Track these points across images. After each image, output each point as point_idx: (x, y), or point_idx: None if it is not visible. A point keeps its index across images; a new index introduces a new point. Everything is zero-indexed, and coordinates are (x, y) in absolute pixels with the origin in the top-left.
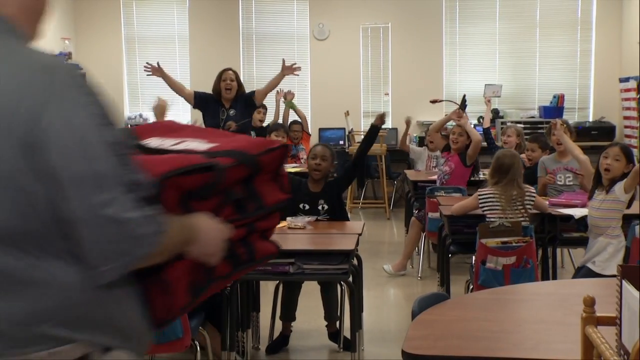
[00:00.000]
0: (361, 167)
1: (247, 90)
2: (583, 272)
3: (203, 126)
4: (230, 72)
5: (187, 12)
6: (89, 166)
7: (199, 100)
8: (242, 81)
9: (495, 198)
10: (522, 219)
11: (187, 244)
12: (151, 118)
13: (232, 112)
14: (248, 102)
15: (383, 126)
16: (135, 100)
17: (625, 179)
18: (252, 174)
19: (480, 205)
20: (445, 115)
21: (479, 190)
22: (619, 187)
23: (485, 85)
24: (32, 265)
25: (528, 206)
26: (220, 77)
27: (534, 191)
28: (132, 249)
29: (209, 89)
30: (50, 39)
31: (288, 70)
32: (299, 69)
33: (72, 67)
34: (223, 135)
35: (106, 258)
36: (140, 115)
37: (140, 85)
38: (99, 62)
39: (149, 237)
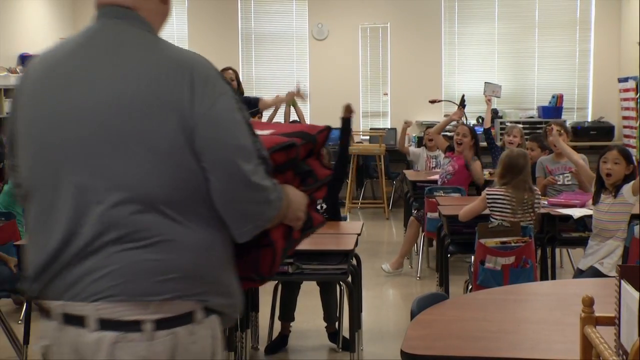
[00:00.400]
0: (344, 164)
1: (245, 91)
2: (590, 272)
3: None
4: (230, 71)
5: (186, 12)
6: (238, 142)
7: None
8: (241, 81)
9: (506, 199)
10: (530, 221)
11: (286, 210)
12: None
13: None
14: (251, 106)
15: (382, 126)
16: None
17: (633, 181)
18: (310, 152)
19: (488, 206)
20: (445, 116)
21: (486, 190)
22: (627, 189)
23: (485, 83)
24: (174, 226)
25: (536, 207)
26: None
27: (539, 192)
28: (266, 212)
29: None
30: (50, 38)
31: (296, 95)
32: (305, 95)
33: (207, 60)
34: (274, 125)
35: (247, 219)
36: None
37: None
38: None
39: (277, 202)
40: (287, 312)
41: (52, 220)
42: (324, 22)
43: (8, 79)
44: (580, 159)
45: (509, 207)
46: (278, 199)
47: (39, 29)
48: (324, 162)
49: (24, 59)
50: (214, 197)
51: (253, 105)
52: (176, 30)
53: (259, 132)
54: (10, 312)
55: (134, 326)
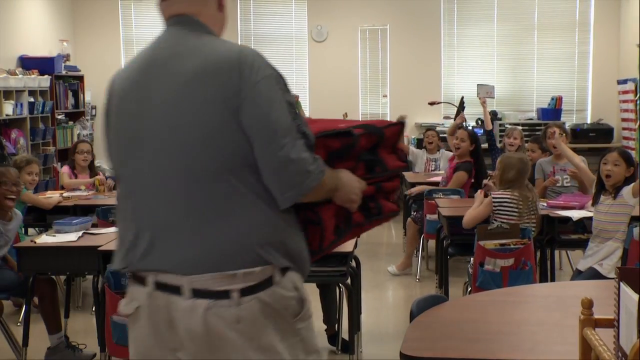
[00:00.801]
0: None
1: None
2: (589, 274)
3: None
4: None
5: None
6: (276, 117)
7: None
8: None
9: (513, 203)
10: (534, 222)
11: (335, 189)
12: None
13: None
14: None
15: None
16: None
17: (634, 184)
18: (378, 143)
19: (494, 210)
20: (445, 118)
21: (492, 195)
22: (627, 191)
23: (478, 85)
24: (242, 199)
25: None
26: None
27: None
28: (304, 181)
29: None
30: (49, 40)
31: None
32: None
33: (253, 50)
34: (349, 121)
35: (288, 186)
36: None
37: None
38: (97, 63)
39: (315, 173)
40: None
41: (130, 202)
42: (324, 24)
43: (7, 80)
44: (581, 161)
45: (515, 210)
46: (318, 171)
47: (39, 31)
48: (400, 156)
49: (23, 60)
50: (260, 168)
51: None
52: None
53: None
54: (9, 314)
55: (223, 294)
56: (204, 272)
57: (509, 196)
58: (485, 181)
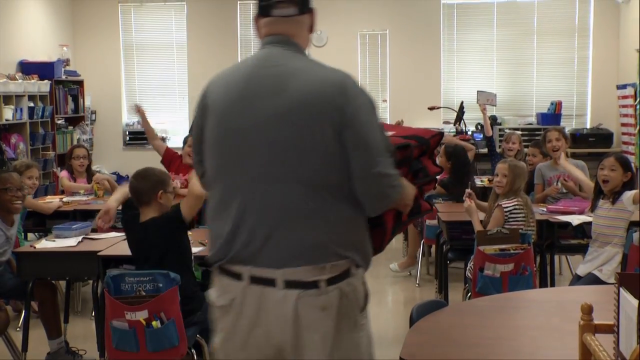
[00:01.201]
0: None
1: None
2: (588, 279)
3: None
4: None
5: (185, 19)
6: (374, 140)
7: (168, 158)
8: None
9: (521, 209)
10: (533, 226)
11: (405, 197)
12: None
13: None
14: None
15: None
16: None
17: (635, 191)
18: (424, 152)
19: (507, 219)
20: (445, 123)
21: (502, 205)
22: (627, 197)
23: (478, 91)
24: (332, 206)
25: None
26: None
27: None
28: (391, 194)
29: None
30: (49, 45)
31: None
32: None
33: (351, 76)
34: (395, 127)
35: (378, 198)
36: (139, 122)
37: (138, 92)
38: (97, 68)
39: (399, 187)
40: None
41: (233, 203)
42: (323, 29)
43: (7, 85)
44: (583, 174)
45: (523, 216)
46: (400, 185)
47: (38, 35)
48: (433, 161)
49: (23, 65)
50: (354, 180)
51: None
52: (175, 37)
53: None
54: (11, 319)
55: (312, 285)
56: (298, 266)
57: (516, 203)
58: (468, 190)
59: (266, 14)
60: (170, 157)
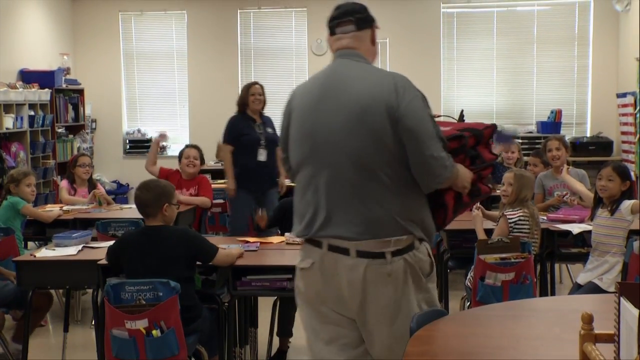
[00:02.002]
0: None
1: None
2: (588, 288)
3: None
4: (257, 85)
5: (186, 27)
6: (425, 128)
7: (163, 177)
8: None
9: (527, 220)
10: (536, 238)
11: (455, 179)
12: (149, 133)
13: (270, 129)
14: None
15: None
16: (134, 115)
17: (634, 201)
18: (478, 141)
19: (511, 229)
20: None
21: (507, 214)
22: (625, 207)
23: (497, 134)
24: (392, 186)
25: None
26: (248, 90)
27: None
28: (443, 173)
29: (207, 103)
30: (49, 54)
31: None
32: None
33: (401, 74)
34: (453, 123)
35: (431, 177)
36: (139, 130)
37: (138, 100)
38: (98, 77)
39: (450, 168)
40: (284, 327)
41: (313, 188)
42: (324, 38)
43: (8, 94)
44: (587, 188)
45: (527, 227)
46: (451, 165)
47: (39, 44)
48: (490, 149)
49: (23, 74)
50: (410, 163)
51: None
52: (175, 45)
53: (442, 128)
54: (8, 328)
55: (379, 255)
56: (367, 239)
57: (522, 214)
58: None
59: (332, 33)
60: (165, 176)
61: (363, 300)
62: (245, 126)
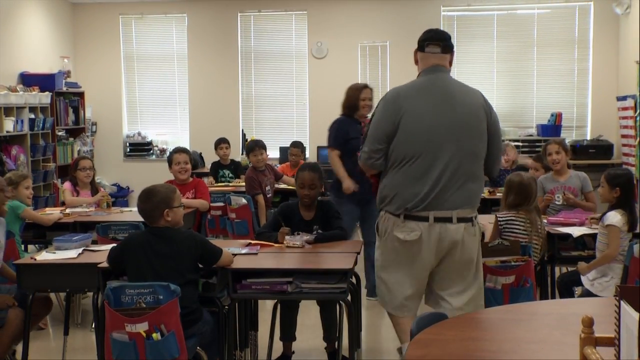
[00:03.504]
0: None
1: (244, 109)
2: (582, 292)
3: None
4: (368, 89)
5: (186, 30)
6: (500, 132)
7: None
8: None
9: (521, 224)
10: (537, 245)
11: None
12: (150, 136)
13: None
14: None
15: None
16: (134, 118)
17: (613, 212)
18: None
19: (500, 229)
20: None
21: (497, 215)
22: (606, 215)
23: None
24: (481, 170)
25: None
26: (359, 93)
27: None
28: (499, 164)
29: (207, 106)
30: (49, 57)
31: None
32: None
33: (480, 92)
34: None
35: (497, 166)
36: (139, 133)
37: (138, 103)
38: (98, 80)
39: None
40: (287, 332)
41: (431, 171)
42: (324, 41)
43: (8, 97)
44: (593, 207)
45: (521, 228)
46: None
47: (39, 47)
48: None
49: (24, 77)
50: (488, 155)
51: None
52: (176, 48)
53: None
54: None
55: (471, 220)
56: (464, 208)
57: (513, 216)
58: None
59: (422, 50)
60: None
61: (462, 246)
62: (352, 130)
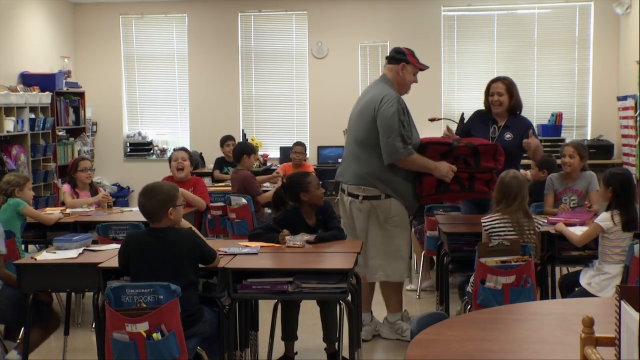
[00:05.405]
0: None
1: (244, 109)
2: (579, 292)
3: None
4: (500, 83)
5: (187, 31)
6: (389, 124)
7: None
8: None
9: (507, 224)
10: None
11: (429, 169)
12: (150, 136)
13: (507, 135)
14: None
15: None
16: (134, 118)
17: (607, 213)
18: (476, 153)
19: (487, 234)
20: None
21: (481, 220)
22: (600, 216)
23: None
24: (371, 155)
25: (537, 229)
26: (487, 89)
27: (535, 217)
28: (394, 154)
29: (207, 106)
30: (50, 57)
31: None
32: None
33: (385, 93)
34: (466, 138)
35: (387, 155)
36: (140, 133)
37: (139, 103)
38: (98, 80)
39: (403, 153)
40: (289, 332)
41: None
42: (324, 41)
43: (9, 97)
44: (595, 208)
45: (509, 229)
46: (406, 152)
47: (40, 47)
48: (497, 161)
49: (24, 77)
50: (381, 144)
51: None
52: (176, 48)
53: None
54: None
55: (355, 196)
56: (351, 185)
57: (497, 218)
58: None
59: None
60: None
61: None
62: (479, 124)
